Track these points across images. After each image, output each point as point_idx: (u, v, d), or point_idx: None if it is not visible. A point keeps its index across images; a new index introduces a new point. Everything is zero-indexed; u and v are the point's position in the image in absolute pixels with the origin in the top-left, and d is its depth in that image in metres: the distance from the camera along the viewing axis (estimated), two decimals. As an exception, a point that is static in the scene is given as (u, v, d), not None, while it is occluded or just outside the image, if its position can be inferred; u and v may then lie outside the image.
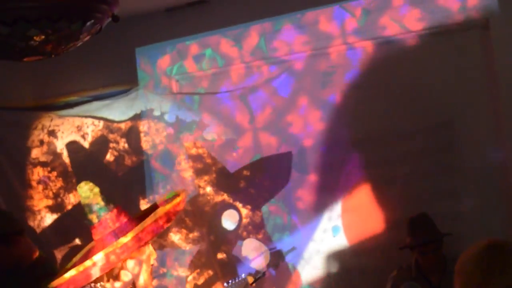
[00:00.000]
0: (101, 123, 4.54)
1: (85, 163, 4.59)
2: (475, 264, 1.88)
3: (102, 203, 2.40)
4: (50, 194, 4.66)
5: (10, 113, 4.61)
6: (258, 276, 3.31)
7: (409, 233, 3.51)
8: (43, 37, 2.05)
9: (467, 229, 3.56)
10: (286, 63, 4.05)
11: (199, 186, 4.27)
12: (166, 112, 4.37)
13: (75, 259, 2.52)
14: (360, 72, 3.87)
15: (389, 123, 3.82)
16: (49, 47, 2.12)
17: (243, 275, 3.23)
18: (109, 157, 4.55)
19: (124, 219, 2.39)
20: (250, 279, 3.25)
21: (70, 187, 4.60)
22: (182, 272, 4.30)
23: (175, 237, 4.30)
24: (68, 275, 2.26)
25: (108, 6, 2.23)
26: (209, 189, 4.26)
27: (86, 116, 4.56)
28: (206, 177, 4.27)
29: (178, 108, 4.31)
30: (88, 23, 2.17)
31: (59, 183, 4.64)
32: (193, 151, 4.29)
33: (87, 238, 2.43)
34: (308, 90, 4.00)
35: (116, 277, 2.38)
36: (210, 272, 4.25)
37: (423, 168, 3.74)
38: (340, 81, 3.92)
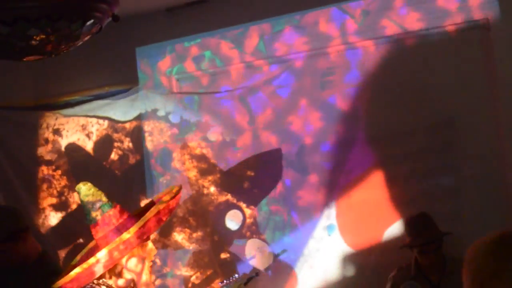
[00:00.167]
0: (106, 122, 4.56)
1: (88, 162, 4.60)
2: (489, 252, 1.84)
3: (105, 200, 2.42)
4: (55, 192, 4.69)
5: (12, 112, 4.64)
6: (251, 276, 3.34)
7: (409, 233, 3.51)
8: (43, 36, 2.05)
9: (467, 229, 3.54)
10: (286, 63, 4.06)
11: (203, 186, 4.29)
12: (169, 112, 4.37)
13: (77, 259, 2.53)
14: (360, 73, 3.86)
15: (389, 123, 3.82)
16: (49, 47, 2.11)
17: (236, 275, 3.26)
18: (114, 156, 4.57)
19: (125, 216, 2.42)
20: (244, 279, 3.28)
21: (74, 185, 4.61)
22: (185, 271, 4.31)
23: (179, 236, 4.31)
24: (73, 273, 2.27)
25: (108, 6, 2.23)
26: (213, 189, 4.28)
27: (87, 116, 4.58)
28: (210, 177, 4.29)
29: (180, 109, 4.31)
30: (88, 23, 2.17)
31: (64, 182, 4.67)
32: (197, 151, 4.30)
33: (89, 237, 2.43)
34: (307, 91, 4.01)
35: (119, 275, 2.40)
36: (213, 272, 4.26)
37: (423, 167, 3.74)
38: (340, 82, 3.92)
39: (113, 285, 2.40)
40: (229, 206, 4.23)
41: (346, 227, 3.93)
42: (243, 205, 4.21)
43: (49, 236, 4.61)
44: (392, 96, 3.81)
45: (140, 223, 2.33)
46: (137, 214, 2.51)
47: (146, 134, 4.40)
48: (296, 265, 4.05)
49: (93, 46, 2.82)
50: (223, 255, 4.24)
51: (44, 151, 4.71)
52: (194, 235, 4.29)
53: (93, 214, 2.38)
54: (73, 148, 4.67)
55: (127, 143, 4.54)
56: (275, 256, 3.28)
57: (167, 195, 2.51)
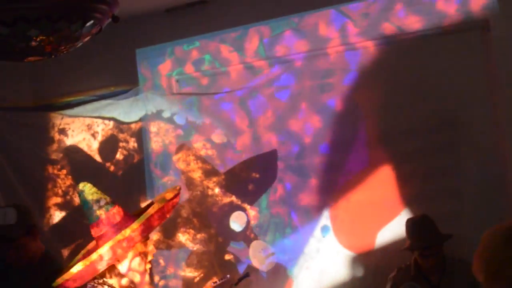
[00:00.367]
0: (111, 122, 4.58)
1: (88, 163, 4.63)
2: (503, 240, 1.86)
3: (108, 198, 2.45)
4: (59, 191, 4.72)
5: (13, 113, 4.65)
6: (242, 277, 3.36)
7: (410, 236, 3.47)
8: (43, 37, 2.06)
9: (467, 229, 3.54)
10: (285, 65, 4.07)
11: (208, 187, 4.31)
12: (175, 113, 4.39)
13: (77, 258, 2.55)
14: (359, 74, 3.87)
15: (389, 124, 3.82)
16: (49, 48, 2.13)
17: (228, 276, 3.28)
18: (119, 156, 4.60)
19: (125, 215, 2.45)
20: (235, 279, 3.31)
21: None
22: (189, 272, 4.31)
23: (183, 237, 4.33)
24: (75, 269, 2.30)
25: (108, 6, 2.25)
26: (217, 190, 4.29)
27: (91, 117, 4.61)
28: (214, 178, 4.31)
29: (185, 110, 4.34)
30: (88, 24, 2.18)
31: (68, 181, 4.70)
32: (203, 152, 4.32)
33: (90, 238, 2.47)
34: (307, 92, 4.01)
35: (121, 274, 2.43)
36: (216, 273, 4.27)
37: (423, 168, 3.73)
38: (340, 83, 3.92)
39: (114, 285, 2.43)
40: (233, 207, 4.25)
41: (348, 227, 3.94)
42: (247, 207, 4.22)
43: (53, 235, 4.64)
44: (391, 97, 3.81)
45: (142, 219, 2.35)
46: (137, 214, 2.53)
47: (152, 135, 4.42)
48: (294, 266, 4.06)
49: (93, 47, 2.85)
50: (227, 257, 4.25)
51: (50, 151, 4.73)
52: (198, 236, 4.31)
53: (98, 212, 2.41)
54: (73, 149, 4.69)
55: (132, 143, 4.55)
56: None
57: (168, 193, 2.54)
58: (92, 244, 2.54)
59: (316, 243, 4.01)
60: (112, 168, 4.57)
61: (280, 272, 4.09)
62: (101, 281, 2.44)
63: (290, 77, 4.07)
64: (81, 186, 2.45)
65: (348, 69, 3.88)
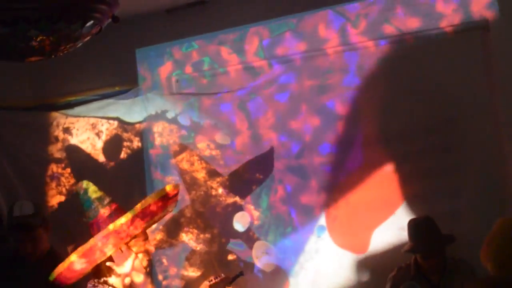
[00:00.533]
0: (116, 121, 4.61)
1: (89, 162, 4.65)
2: (510, 233, 1.87)
3: (109, 197, 2.49)
4: (63, 190, 4.75)
5: (13, 113, 4.68)
6: (236, 275, 3.37)
7: (413, 238, 3.44)
8: (43, 37, 2.08)
9: (467, 229, 3.54)
10: (284, 66, 4.08)
11: (211, 187, 4.32)
12: (178, 113, 4.41)
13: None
14: (359, 75, 3.87)
15: (389, 124, 3.82)
16: (48, 48, 2.14)
17: (223, 274, 3.29)
18: (123, 155, 4.62)
19: (123, 211, 2.48)
20: (229, 279, 3.32)
21: (82, 184, 4.65)
22: (192, 272, 4.33)
23: (186, 237, 4.35)
24: (67, 262, 2.34)
25: (108, 7, 2.27)
26: (221, 190, 4.30)
27: (92, 116, 4.62)
28: (218, 179, 4.33)
29: (180, 111, 4.34)
30: (88, 24, 2.19)
31: (72, 180, 4.71)
32: (207, 152, 4.33)
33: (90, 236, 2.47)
34: (306, 93, 4.02)
35: (123, 274, 2.46)
36: (218, 273, 4.27)
37: (423, 168, 3.73)
38: (339, 84, 3.93)
39: (116, 285, 2.46)
40: (236, 208, 4.26)
41: (347, 227, 3.95)
42: (251, 207, 4.23)
43: (55, 234, 4.67)
44: (391, 97, 3.81)
45: (134, 210, 2.38)
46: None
47: (156, 135, 4.43)
48: (292, 267, 4.07)
49: (92, 47, 2.87)
50: (230, 257, 4.27)
51: (54, 149, 4.75)
52: (202, 236, 4.32)
53: (100, 210, 2.44)
54: (74, 149, 4.71)
55: (137, 143, 4.58)
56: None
57: (169, 186, 2.57)
58: (91, 244, 2.56)
59: (314, 243, 4.02)
60: (114, 167, 4.59)
61: (280, 272, 4.10)
62: (101, 281, 2.47)
63: (290, 77, 4.08)
64: (84, 184, 2.48)
65: (348, 69, 3.89)
